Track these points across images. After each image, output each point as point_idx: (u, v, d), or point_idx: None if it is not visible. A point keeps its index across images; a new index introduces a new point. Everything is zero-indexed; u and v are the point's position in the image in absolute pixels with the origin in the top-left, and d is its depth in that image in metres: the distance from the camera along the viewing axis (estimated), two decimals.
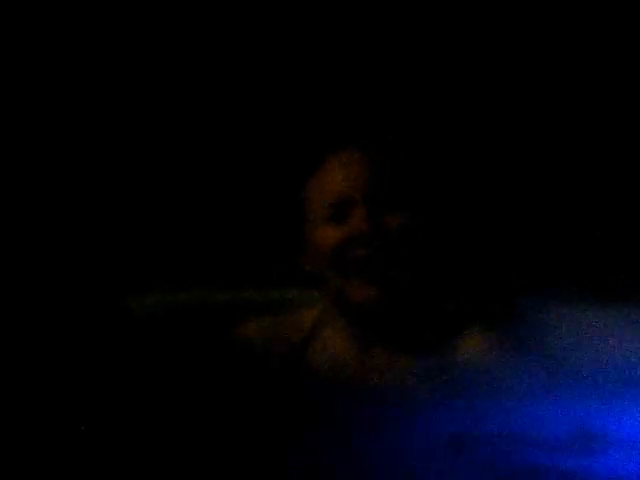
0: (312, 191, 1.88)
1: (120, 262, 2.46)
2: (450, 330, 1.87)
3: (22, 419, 1.59)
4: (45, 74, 2.50)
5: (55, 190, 2.47)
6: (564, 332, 1.99)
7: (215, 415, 1.63)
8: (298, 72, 2.54)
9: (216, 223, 2.55)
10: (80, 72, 2.51)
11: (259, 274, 2.31)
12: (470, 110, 2.51)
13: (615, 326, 1.99)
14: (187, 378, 1.75)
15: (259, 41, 2.55)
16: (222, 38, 2.56)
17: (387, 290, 1.79)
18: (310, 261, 1.87)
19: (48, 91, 2.50)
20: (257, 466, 1.53)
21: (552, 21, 2.51)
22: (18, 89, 2.47)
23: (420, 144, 2.01)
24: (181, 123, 2.57)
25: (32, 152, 2.48)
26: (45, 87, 2.51)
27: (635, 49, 2.47)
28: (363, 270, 1.79)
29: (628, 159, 2.50)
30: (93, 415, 1.61)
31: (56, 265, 2.29)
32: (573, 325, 2.01)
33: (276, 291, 2.16)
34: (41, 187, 2.46)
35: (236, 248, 2.53)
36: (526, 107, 2.52)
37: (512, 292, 2.17)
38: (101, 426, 1.59)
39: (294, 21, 2.55)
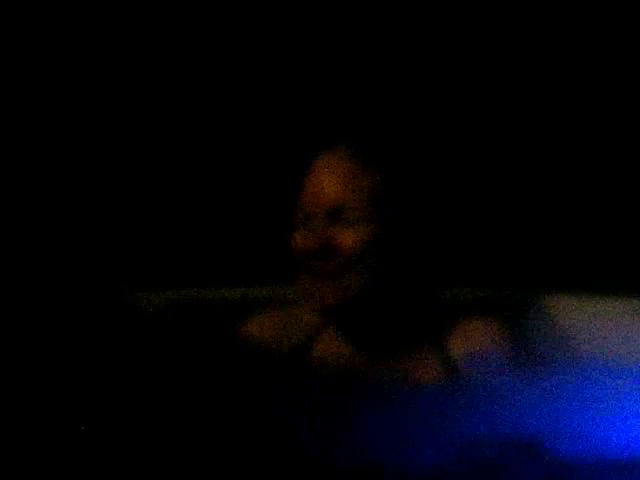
0: (300, 192, 1.89)
1: (126, 259, 2.47)
2: (450, 325, 1.88)
3: (22, 418, 1.59)
4: (45, 74, 2.51)
5: (62, 189, 2.48)
6: (568, 326, 2.00)
7: (216, 413, 1.64)
8: (295, 77, 2.56)
9: (221, 220, 2.56)
10: (80, 72, 2.52)
11: (263, 271, 2.32)
12: (465, 115, 2.53)
13: (619, 320, 2.00)
14: (190, 375, 1.75)
15: (252, 41, 2.56)
16: (217, 38, 2.57)
17: (350, 296, 1.82)
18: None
19: (48, 90, 2.51)
20: (258, 465, 1.53)
21: (551, 23, 2.52)
22: (18, 89, 2.48)
23: (407, 149, 1.99)
24: (181, 124, 2.59)
25: (35, 151, 2.48)
26: (45, 86, 2.51)
27: (635, 49, 2.48)
28: (324, 277, 1.82)
29: (626, 160, 2.52)
30: (93, 415, 1.61)
31: (60, 262, 2.30)
32: (576, 319, 2.02)
33: (279, 289, 2.17)
34: (47, 186, 2.47)
35: (240, 245, 2.54)
36: (524, 117, 2.53)
37: (516, 285, 2.18)
38: (101, 426, 1.59)
39: (291, 21, 2.56)
